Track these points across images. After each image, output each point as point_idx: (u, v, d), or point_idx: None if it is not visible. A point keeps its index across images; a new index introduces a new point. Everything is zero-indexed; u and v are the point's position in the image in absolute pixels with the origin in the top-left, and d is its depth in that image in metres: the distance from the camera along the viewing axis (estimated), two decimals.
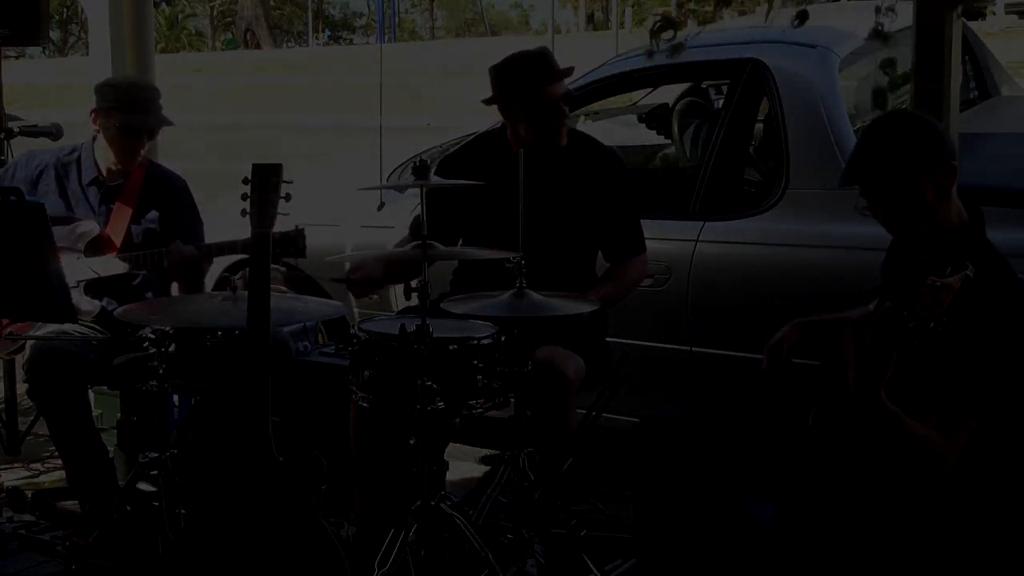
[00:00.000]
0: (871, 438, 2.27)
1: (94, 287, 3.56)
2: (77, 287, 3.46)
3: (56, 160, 3.68)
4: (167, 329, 2.99)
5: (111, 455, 3.62)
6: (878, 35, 3.23)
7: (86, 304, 3.53)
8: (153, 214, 3.66)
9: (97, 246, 3.57)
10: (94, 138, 3.65)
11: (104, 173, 3.65)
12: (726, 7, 3.27)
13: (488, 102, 3.45)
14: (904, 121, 2.58)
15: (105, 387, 3.87)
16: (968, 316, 2.19)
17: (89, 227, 3.58)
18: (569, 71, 3.44)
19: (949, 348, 2.22)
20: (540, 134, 3.38)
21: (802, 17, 3.27)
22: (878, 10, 3.20)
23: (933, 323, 2.10)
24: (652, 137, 5.12)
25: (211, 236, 3.64)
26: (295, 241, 3.33)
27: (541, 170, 3.30)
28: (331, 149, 12.79)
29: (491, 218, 3.36)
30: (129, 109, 3.54)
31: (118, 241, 3.60)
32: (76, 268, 3.45)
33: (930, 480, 2.29)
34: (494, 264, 2.98)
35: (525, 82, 3.35)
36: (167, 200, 3.69)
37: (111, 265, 3.51)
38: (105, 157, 3.63)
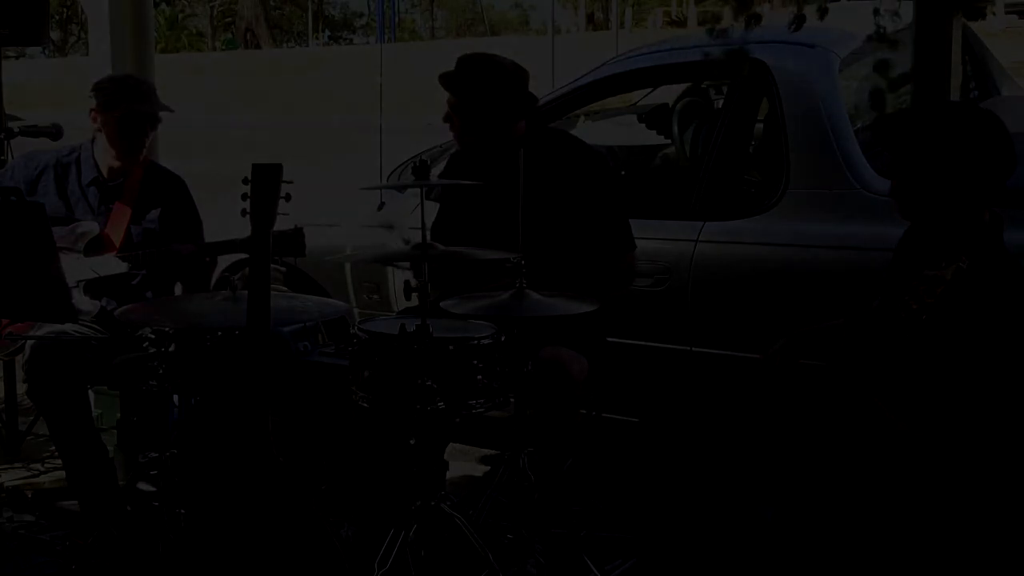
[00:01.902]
0: (865, 434, 2.27)
1: (94, 287, 3.56)
2: (77, 287, 3.46)
3: (55, 161, 3.68)
4: (167, 329, 2.99)
5: (111, 455, 3.61)
6: (880, 38, 3.23)
7: (86, 304, 3.53)
8: (153, 214, 3.66)
9: (97, 246, 3.57)
10: (93, 138, 3.65)
11: (104, 173, 3.65)
12: (746, 24, 3.27)
13: (443, 83, 3.43)
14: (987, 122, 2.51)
15: (105, 387, 3.86)
16: (958, 307, 2.18)
17: (89, 227, 3.58)
18: (533, 101, 3.42)
19: (937, 338, 2.21)
20: (463, 141, 3.41)
21: (799, 21, 3.27)
22: (876, 12, 3.20)
23: (925, 315, 2.10)
24: (652, 137, 5.11)
25: (211, 236, 3.64)
26: (294, 240, 3.33)
27: (498, 168, 3.27)
28: (331, 149, 12.79)
29: (466, 218, 3.37)
30: (129, 98, 3.54)
31: (117, 241, 3.60)
32: (76, 268, 3.45)
33: (925, 477, 2.29)
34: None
35: (480, 117, 3.34)
36: (166, 200, 3.69)
37: (111, 265, 3.51)
38: (105, 157, 3.63)
